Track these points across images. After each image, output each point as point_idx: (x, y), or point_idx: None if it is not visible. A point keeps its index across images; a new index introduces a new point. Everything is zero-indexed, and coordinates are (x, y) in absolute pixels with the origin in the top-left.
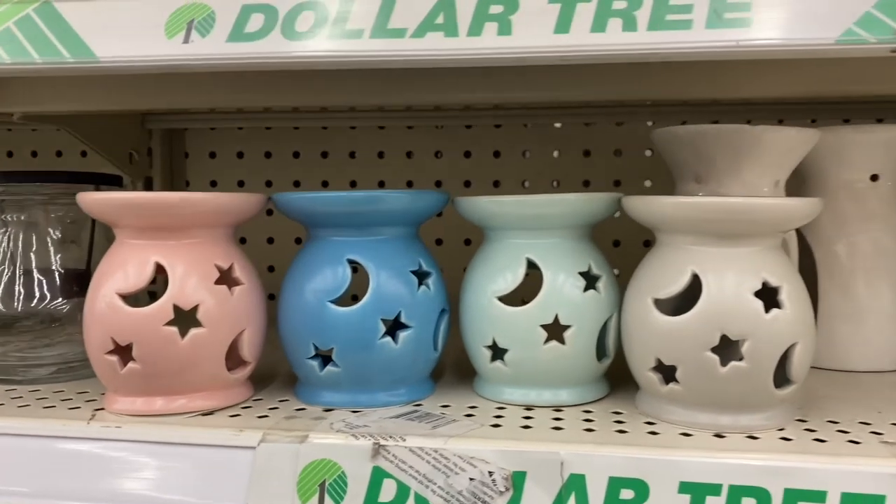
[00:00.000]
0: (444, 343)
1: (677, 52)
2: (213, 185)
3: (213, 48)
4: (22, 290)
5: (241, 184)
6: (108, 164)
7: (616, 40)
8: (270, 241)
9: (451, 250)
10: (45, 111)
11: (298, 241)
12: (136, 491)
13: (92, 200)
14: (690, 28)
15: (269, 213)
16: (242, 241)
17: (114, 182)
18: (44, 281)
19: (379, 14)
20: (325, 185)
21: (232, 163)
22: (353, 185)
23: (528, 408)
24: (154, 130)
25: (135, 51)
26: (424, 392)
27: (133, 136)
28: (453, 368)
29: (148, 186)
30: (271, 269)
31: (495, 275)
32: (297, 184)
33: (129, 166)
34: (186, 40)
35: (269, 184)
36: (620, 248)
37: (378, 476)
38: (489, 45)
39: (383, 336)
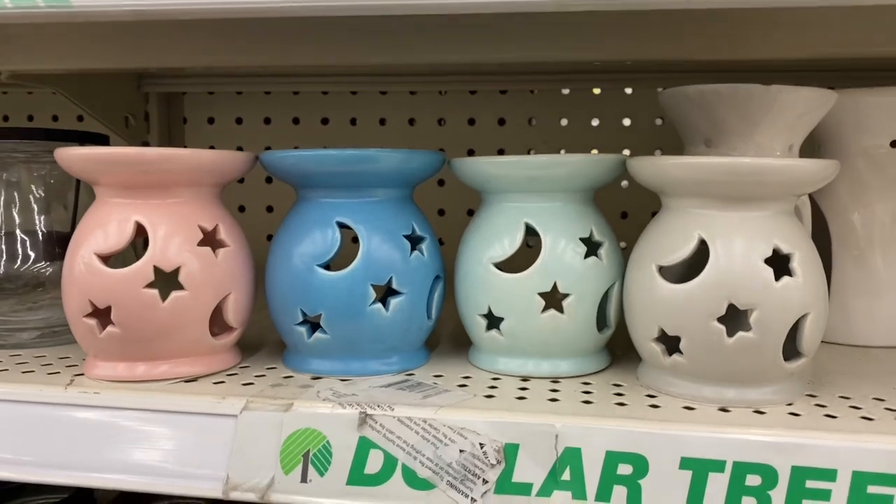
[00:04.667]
0: (438, 311)
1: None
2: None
3: None
4: (3, 252)
5: (239, 150)
6: (105, 128)
7: None
8: (269, 209)
9: (452, 221)
10: (35, 69)
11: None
12: (113, 458)
13: (70, 156)
14: None
15: (269, 180)
16: (241, 209)
17: (99, 141)
18: (27, 242)
19: None
20: None
21: (230, 129)
22: None
23: (525, 379)
24: (151, 94)
25: None
26: (418, 361)
27: (129, 100)
28: (450, 337)
29: None
30: (270, 237)
31: (492, 240)
32: None
33: (125, 130)
34: None
35: (268, 150)
36: (628, 220)
37: (364, 446)
38: None
39: (374, 302)
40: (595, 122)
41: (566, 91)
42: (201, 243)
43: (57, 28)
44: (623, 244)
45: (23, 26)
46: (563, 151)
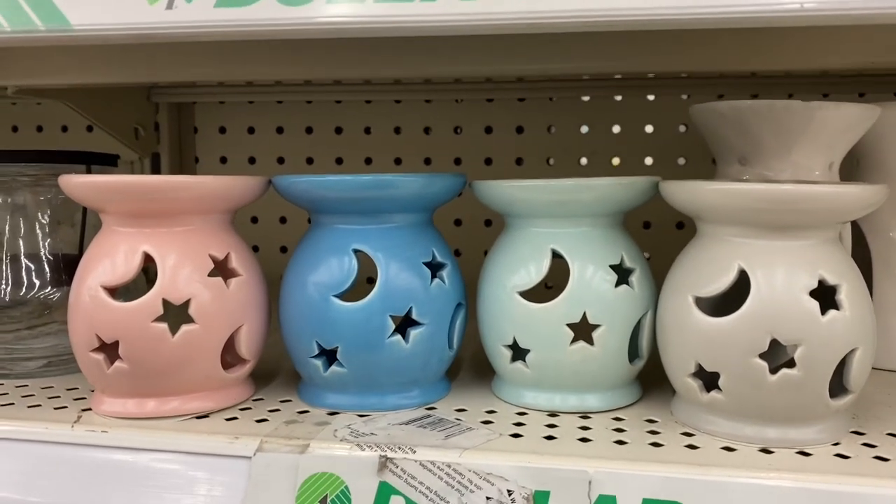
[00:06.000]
0: (460, 340)
1: (736, 16)
2: (223, 161)
3: (199, 15)
4: (9, 278)
5: (251, 160)
6: (114, 139)
7: (652, 3)
8: (283, 220)
9: (470, 232)
10: (44, 84)
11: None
12: (122, 501)
13: (74, 184)
14: None
15: None
16: (254, 220)
17: (108, 161)
18: (33, 268)
19: None
20: (339, 162)
21: (242, 138)
22: (368, 162)
23: (552, 414)
24: (161, 104)
25: (113, 18)
26: (439, 393)
27: (139, 111)
28: (471, 363)
29: (155, 163)
30: (283, 249)
31: (517, 267)
32: (309, 161)
33: (135, 142)
34: (170, 6)
35: (280, 160)
36: (651, 231)
37: (385, 492)
38: (509, 8)
39: (392, 334)
40: (616, 129)
41: (586, 98)
42: (212, 273)
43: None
44: (647, 255)
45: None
46: (583, 160)
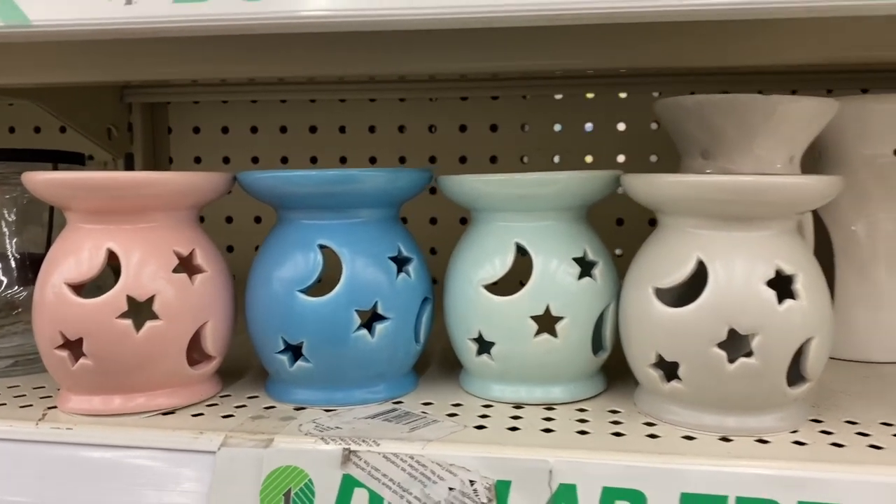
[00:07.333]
0: (427, 334)
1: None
2: (198, 161)
3: (159, 10)
4: None
5: (226, 160)
6: (87, 140)
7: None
8: (258, 220)
9: (445, 231)
10: (13, 84)
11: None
12: (88, 498)
13: (38, 182)
14: None
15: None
16: (229, 220)
17: (75, 160)
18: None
19: None
20: (313, 160)
21: (217, 138)
22: (343, 160)
23: (518, 406)
24: (134, 104)
25: (72, 13)
26: (406, 388)
27: (112, 111)
28: (440, 359)
29: (129, 163)
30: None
31: (482, 261)
32: (284, 160)
33: (108, 142)
34: (129, 1)
35: (255, 160)
36: (624, 227)
37: (348, 485)
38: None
39: (358, 329)
40: (589, 127)
41: (559, 96)
42: (177, 269)
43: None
44: (619, 251)
45: None
46: (556, 158)
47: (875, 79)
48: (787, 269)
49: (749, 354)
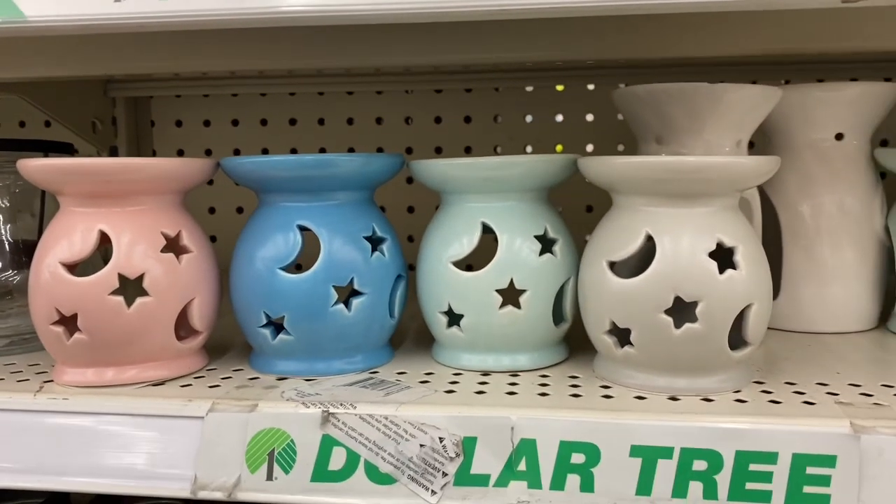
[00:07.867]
0: (401, 309)
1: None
2: (181, 153)
3: (147, 5)
4: None
5: (208, 152)
6: (72, 134)
7: None
8: (240, 210)
9: (422, 218)
10: None
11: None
12: (85, 462)
13: (33, 168)
14: None
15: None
16: (212, 210)
17: (64, 150)
18: None
19: None
20: (293, 152)
21: (199, 131)
22: (322, 152)
23: (485, 373)
24: (118, 98)
25: (66, 9)
26: (382, 359)
27: (96, 105)
28: (415, 335)
29: (113, 156)
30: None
31: (451, 239)
32: (265, 151)
33: (92, 136)
34: None
35: (237, 152)
36: (594, 214)
37: (327, 444)
38: None
39: (336, 303)
40: (559, 118)
41: (530, 88)
42: (164, 249)
43: (15, 37)
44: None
45: None
46: (529, 148)
47: (831, 69)
48: (728, 242)
49: (694, 320)
